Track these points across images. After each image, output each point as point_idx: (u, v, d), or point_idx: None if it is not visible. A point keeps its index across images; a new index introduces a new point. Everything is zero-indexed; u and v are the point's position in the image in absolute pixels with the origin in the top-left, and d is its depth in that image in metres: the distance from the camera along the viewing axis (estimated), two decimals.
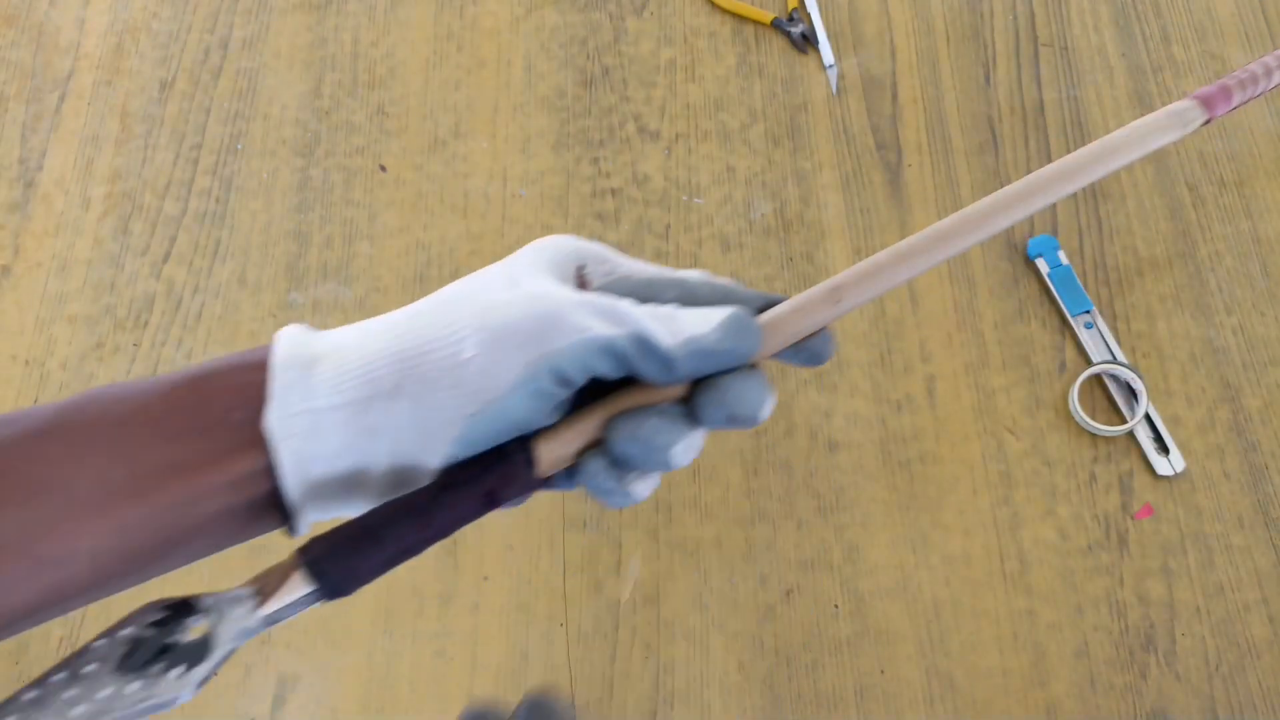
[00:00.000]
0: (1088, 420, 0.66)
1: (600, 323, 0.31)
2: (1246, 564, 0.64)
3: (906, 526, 0.65)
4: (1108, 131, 0.80)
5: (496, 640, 0.62)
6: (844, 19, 0.80)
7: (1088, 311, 0.70)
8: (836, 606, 0.63)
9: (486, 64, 0.79)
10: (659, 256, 0.72)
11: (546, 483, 0.32)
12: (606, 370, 0.31)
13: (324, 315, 0.70)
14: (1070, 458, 0.66)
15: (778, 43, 0.80)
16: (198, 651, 0.28)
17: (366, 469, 0.31)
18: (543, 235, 0.76)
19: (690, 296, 0.33)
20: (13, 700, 0.26)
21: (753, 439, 0.67)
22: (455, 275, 0.72)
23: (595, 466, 0.31)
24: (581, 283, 0.34)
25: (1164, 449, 0.66)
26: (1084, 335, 0.69)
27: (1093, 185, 0.74)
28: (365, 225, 0.74)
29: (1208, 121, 0.39)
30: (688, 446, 0.31)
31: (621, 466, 0.32)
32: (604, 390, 0.33)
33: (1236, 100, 0.41)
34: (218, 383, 0.30)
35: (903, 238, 0.77)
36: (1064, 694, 0.61)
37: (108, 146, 0.77)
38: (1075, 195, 0.74)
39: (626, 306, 0.31)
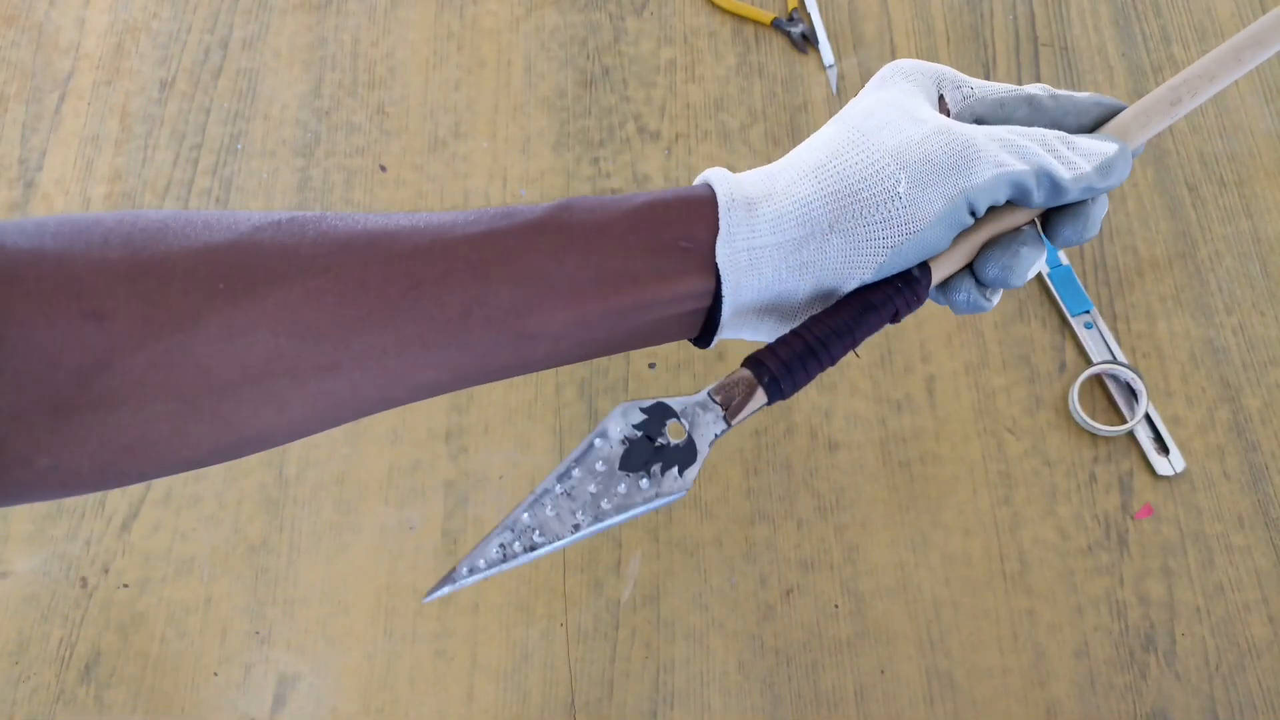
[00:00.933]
0: (1088, 420, 0.66)
1: (1011, 158, 0.34)
2: (1246, 564, 0.64)
3: (906, 526, 0.65)
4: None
5: (496, 640, 0.62)
6: (844, 19, 0.80)
7: (1088, 311, 0.70)
8: (836, 606, 0.63)
9: (486, 64, 0.79)
10: None
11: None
12: (1004, 200, 0.35)
13: None
14: (1070, 458, 0.66)
15: (778, 43, 0.80)
16: (687, 455, 0.32)
17: (788, 298, 0.36)
18: None
19: (1039, 111, 0.37)
20: (546, 491, 0.32)
21: (753, 439, 0.67)
22: None
23: (967, 285, 0.37)
24: (942, 106, 0.38)
25: (1164, 449, 0.66)
26: (1084, 335, 0.69)
27: None
28: None
29: None
30: (1038, 268, 0.37)
31: (986, 286, 0.37)
32: None
33: None
34: (669, 213, 0.35)
35: None
36: (1064, 694, 0.61)
37: (108, 146, 0.77)
38: None
39: (1027, 142, 0.35)
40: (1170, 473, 0.65)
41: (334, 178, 0.75)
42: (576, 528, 0.32)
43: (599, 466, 0.32)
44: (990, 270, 0.36)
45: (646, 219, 0.34)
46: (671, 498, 0.32)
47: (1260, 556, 0.64)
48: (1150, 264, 0.72)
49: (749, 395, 0.33)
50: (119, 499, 0.65)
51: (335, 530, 0.65)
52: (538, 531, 0.31)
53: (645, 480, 0.32)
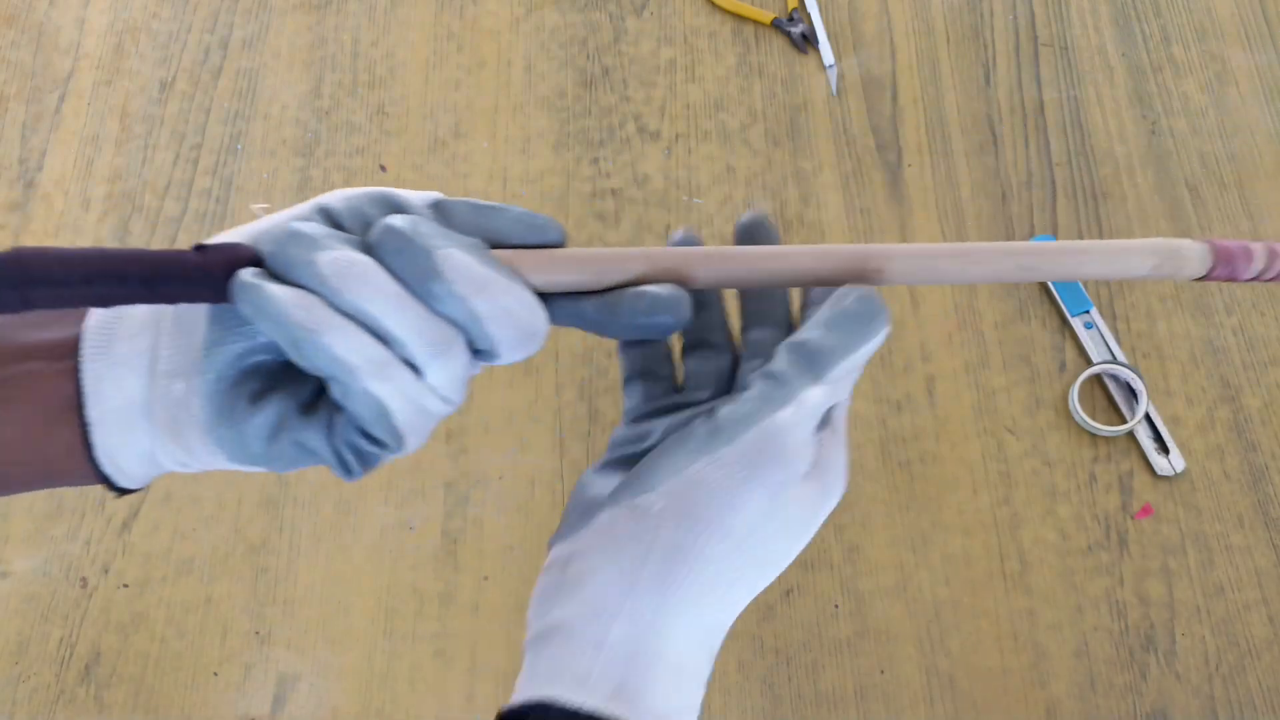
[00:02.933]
0: (1088, 420, 0.66)
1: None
2: (1246, 564, 0.64)
3: (906, 526, 0.65)
4: (1108, 132, 0.80)
5: (496, 640, 0.62)
6: (844, 19, 0.80)
7: (1087, 311, 0.70)
8: (836, 606, 0.63)
9: (486, 64, 0.79)
10: None
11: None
12: None
13: None
14: (1070, 458, 0.66)
15: (778, 43, 0.80)
16: None
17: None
18: None
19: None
20: None
21: None
22: None
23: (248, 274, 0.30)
24: None
25: (1164, 449, 0.66)
26: (1084, 335, 0.69)
27: (1093, 186, 0.74)
28: None
29: (1206, 276, 0.37)
30: (339, 258, 0.29)
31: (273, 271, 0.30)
32: None
33: (1250, 269, 0.37)
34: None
35: (903, 238, 0.77)
36: (1064, 694, 0.61)
37: (108, 146, 0.77)
38: (1075, 196, 0.74)
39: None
40: (1170, 473, 0.65)
41: (334, 178, 0.75)
42: None
43: None
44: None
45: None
46: None
47: (1260, 556, 0.64)
48: None
49: None
50: (119, 499, 0.65)
51: (335, 530, 0.65)
52: None
53: None
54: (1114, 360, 0.68)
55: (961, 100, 0.77)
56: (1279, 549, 0.64)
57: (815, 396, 0.31)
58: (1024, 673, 0.61)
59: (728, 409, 0.32)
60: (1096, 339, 0.69)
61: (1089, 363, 0.69)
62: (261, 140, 0.77)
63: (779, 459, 0.31)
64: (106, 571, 0.64)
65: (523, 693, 0.31)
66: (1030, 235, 0.72)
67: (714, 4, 0.81)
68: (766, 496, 0.33)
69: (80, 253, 0.28)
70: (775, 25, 0.80)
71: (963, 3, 0.81)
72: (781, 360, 0.32)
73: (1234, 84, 0.78)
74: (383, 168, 0.75)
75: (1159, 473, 0.66)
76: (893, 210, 0.73)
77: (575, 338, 0.69)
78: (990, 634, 0.62)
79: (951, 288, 0.71)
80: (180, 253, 0.30)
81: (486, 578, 0.64)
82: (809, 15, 0.80)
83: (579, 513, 0.35)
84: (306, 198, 0.74)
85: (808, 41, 0.79)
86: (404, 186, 0.76)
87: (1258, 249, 0.36)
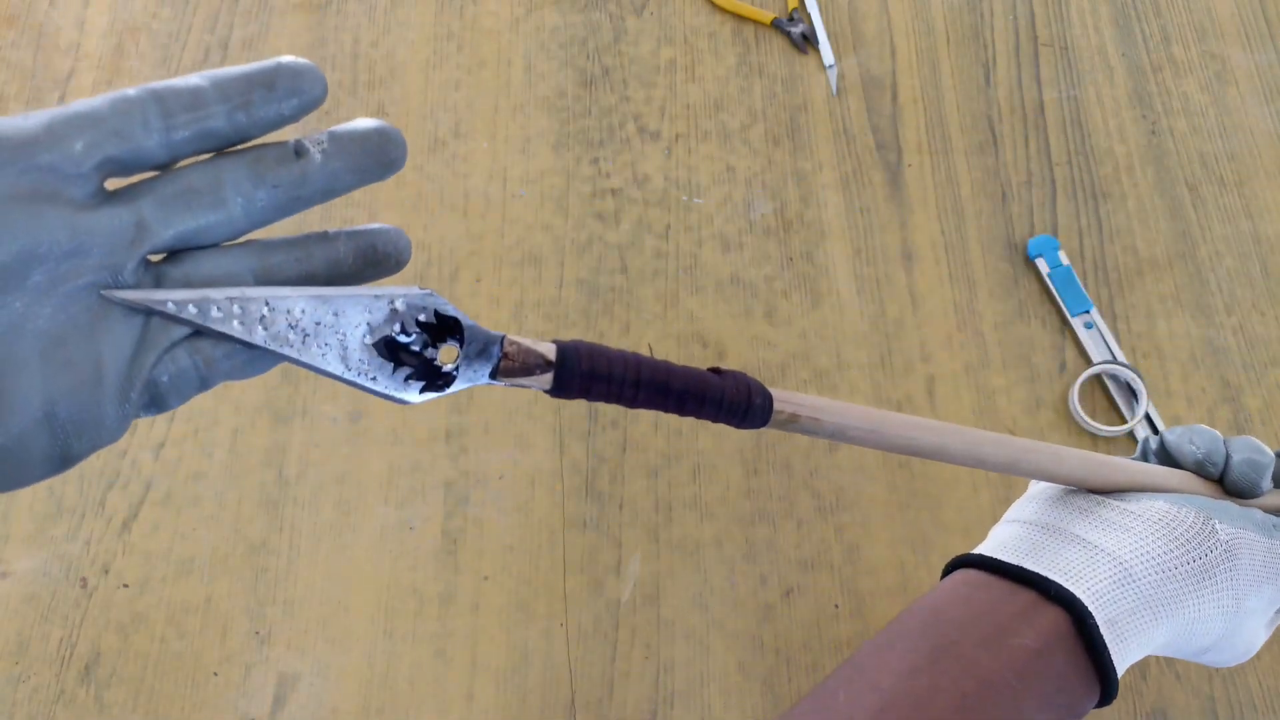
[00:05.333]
0: (1088, 420, 0.66)
1: None
2: None
3: (906, 526, 0.65)
4: (1108, 132, 0.80)
5: (496, 640, 0.62)
6: (844, 19, 0.80)
7: (1087, 311, 0.70)
8: (836, 606, 0.63)
9: (486, 64, 0.79)
10: (659, 256, 0.72)
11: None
12: None
13: None
14: None
15: (778, 43, 0.80)
16: (442, 382, 0.30)
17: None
18: (542, 235, 0.76)
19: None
20: (290, 298, 0.30)
21: (753, 439, 0.67)
22: (455, 275, 0.72)
23: None
24: None
25: None
26: (1084, 335, 0.69)
27: (1093, 186, 0.74)
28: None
29: None
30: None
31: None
32: None
33: None
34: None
35: (903, 237, 0.77)
36: None
37: None
38: (1075, 196, 0.74)
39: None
40: None
41: None
42: (316, 351, 0.29)
43: (356, 320, 0.29)
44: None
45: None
46: (392, 397, 0.30)
47: None
48: (1150, 264, 0.72)
49: (533, 375, 0.32)
50: (119, 499, 0.65)
51: (335, 530, 0.65)
52: (295, 335, 0.29)
53: (384, 366, 0.30)
54: (1114, 360, 0.68)
55: (961, 100, 0.77)
56: None
57: None
58: None
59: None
60: (1096, 339, 0.69)
61: (1089, 363, 0.69)
62: None
63: None
64: (106, 571, 0.64)
65: (1020, 561, 0.37)
66: (1030, 234, 0.72)
67: (714, 4, 0.81)
68: (1267, 599, 0.39)
69: (634, 383, 0.33)
70: (775, 25, 0.80)
71: (963, 3, 0.81)
72: None
73: (1234, 84, 0.78)
74: None
75: None
76: (893, 210, 0.73)
77: (575, 339, 0.69)
78: None
79: (951, 288, 0.71)
80: (707, 374, 0.34)
81: (486, 578, 0.64)
82: (809, 15, 0.80)
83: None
84: None
85: (808, 41, 0.79)
86: (404, 186, 0.76)
87: None
